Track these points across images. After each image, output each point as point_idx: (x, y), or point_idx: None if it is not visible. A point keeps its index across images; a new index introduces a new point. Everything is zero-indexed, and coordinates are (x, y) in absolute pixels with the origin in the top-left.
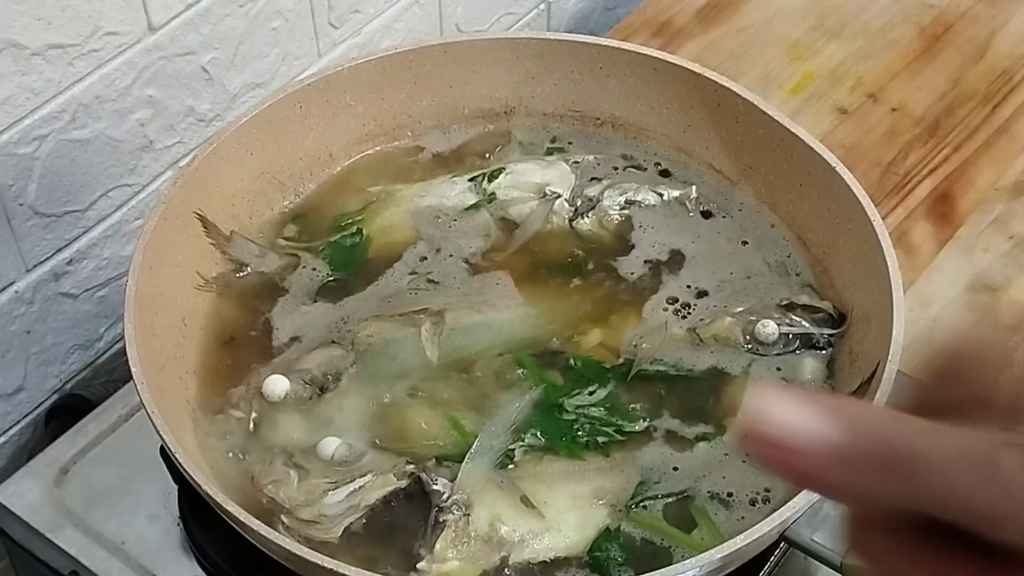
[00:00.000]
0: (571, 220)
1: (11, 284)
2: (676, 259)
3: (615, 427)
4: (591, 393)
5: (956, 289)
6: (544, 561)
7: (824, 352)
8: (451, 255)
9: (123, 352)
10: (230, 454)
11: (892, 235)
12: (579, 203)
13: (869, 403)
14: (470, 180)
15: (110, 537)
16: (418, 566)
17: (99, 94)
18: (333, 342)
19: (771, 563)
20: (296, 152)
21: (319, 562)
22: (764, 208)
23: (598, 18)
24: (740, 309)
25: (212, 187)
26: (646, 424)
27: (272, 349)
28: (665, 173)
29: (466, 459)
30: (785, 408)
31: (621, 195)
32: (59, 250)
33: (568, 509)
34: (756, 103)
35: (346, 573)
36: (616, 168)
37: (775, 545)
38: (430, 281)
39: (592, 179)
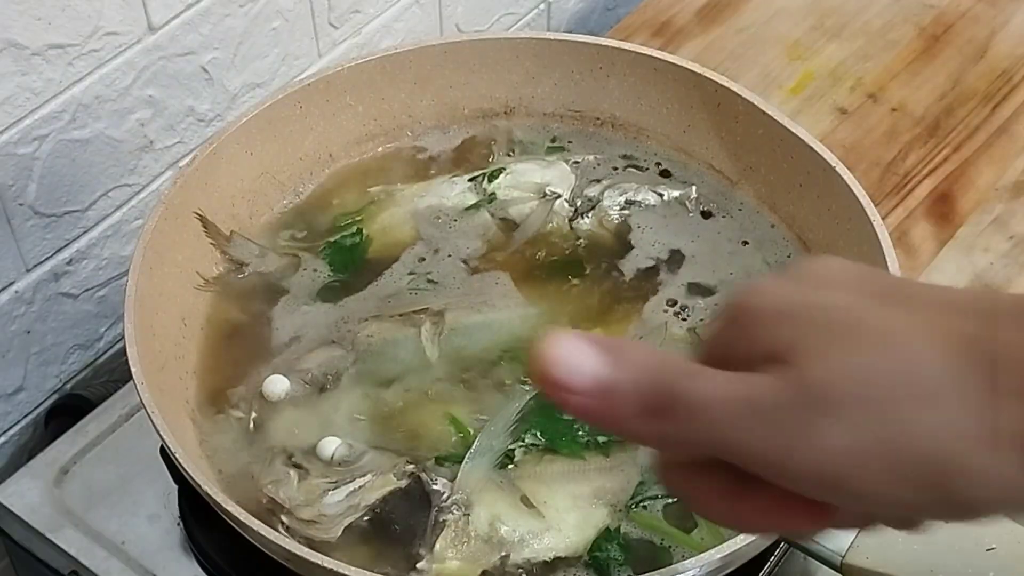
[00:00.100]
0: (571, 220)
1: (11, 284)
2: (676, 259)
3: None
4: None
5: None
6: (544, 561)
7: None
8: (451, 255)
9: (123, 352)
10: (230, 454)
11: (892, 235)
12: (579, 203)
13: (649, 347)
14: (470, 180)
15: (110, 537)
16: (418, 566)
17: (99, 94)
18: (333, 342)
19: (771, 563)
20: (296, 152)
21: (319, 562)
22: (764, 208)
23: (598, 18)
24: None
25: (212, 187)
26: None
27: (272, 349)
28: (665, 173)
29: (466, 459)
30: (565, 350)
31: (621, 195)
32: (59, 250)
33: (568, 509)
34: (756, 103)
35: (346, 573)
36: (616, 168)
37: (775, 545)
38: (430, 281)
39: (592, 179)
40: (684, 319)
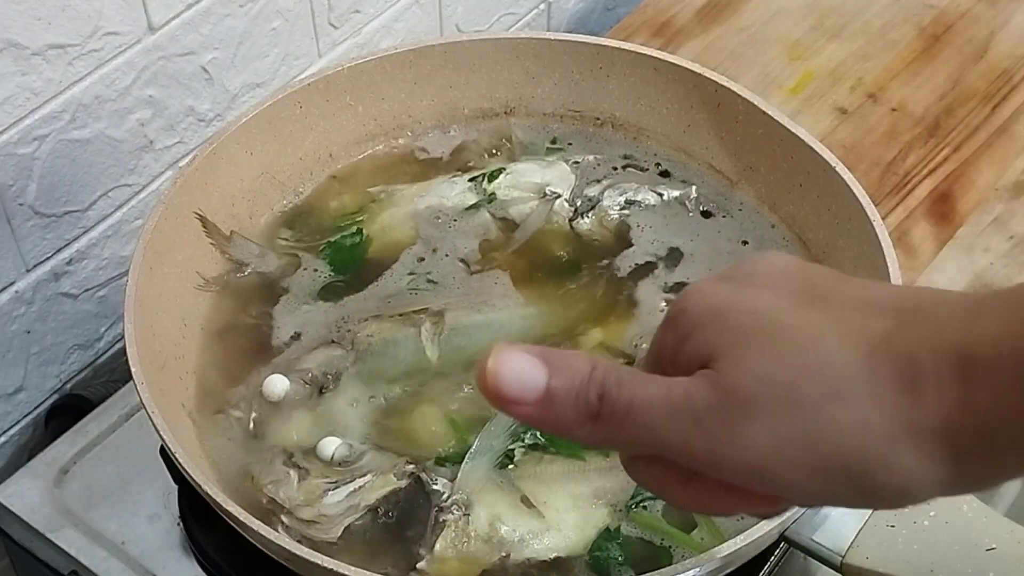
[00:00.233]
0: (571, 220)
1: (11, 284)
2: (676, 259)
3: None
4: None
5: (956, 289)
6: (544, 561)
7: None
8: (451, 255)
9: (123, 352)
10: (230, 454)
11: (892, 235)
12: (579, 203)
13: (588, 356)
14: (470, 180)
15: (110, 537)
16: (418, 566)
17: (99, 94)
18: (333, 342)
19: (771, 563)
20: (296, 152)
21: (319, 562)
22: (764, 208)
23: (598, 18)
24: None
25: (212, 187)
26: None
27: (272, 349)
28: (665, 173)
29: (466, 459)
30: (508, 363)
31: (621, 195)
32: (59, 250)
33: (568, 509)
34: (756, 103)
35: (346, 573)
36: (616, 168)
37: (775, 545)
38: (430, 281)
39: (592, 179)
40: None
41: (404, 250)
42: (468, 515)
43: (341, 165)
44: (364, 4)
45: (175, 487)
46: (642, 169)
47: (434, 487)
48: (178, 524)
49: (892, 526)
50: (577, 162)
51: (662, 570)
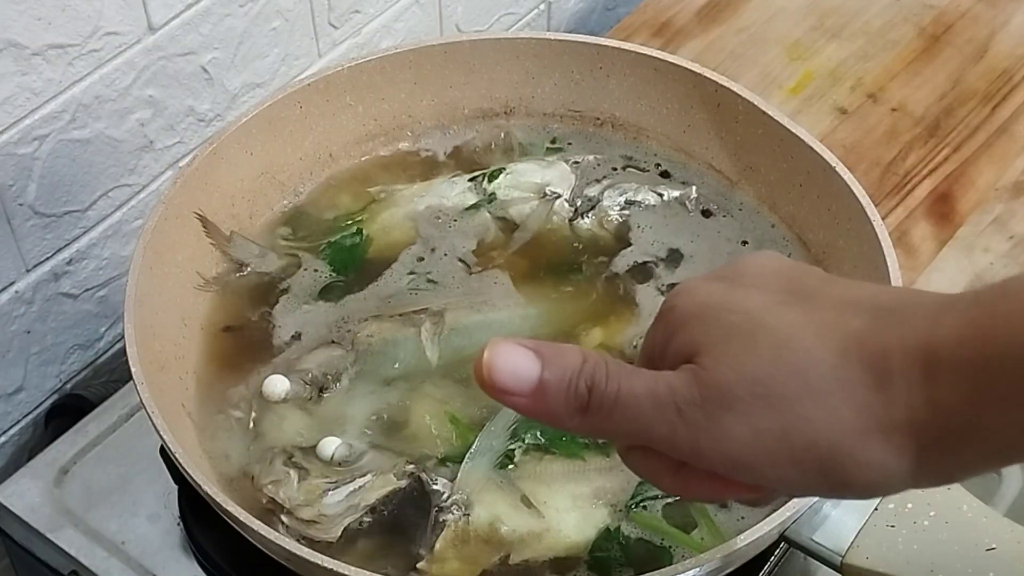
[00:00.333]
0: (571, 220)
1: (11, 284)
2: (676, 259)
3: None
4: None
5: (956, 289)
6: (544, 561)
7: None
8: (451, 255)
9: (123, 352)
10: (230, 454)
11: (892, 235)
12: (579, 203)
13: (580, 350)
14: (470, 180)
15: (110, 537)
16: (418, 566)
17: (99, 94)
18: (333, 342)
19: (771, 563)
20: (296, 152)
21: (319, 562)
22: (764, 208)
23: (598, 18)
24: None
25: (212, 187)
26: None
27: (272, 349)
28: (665, 173)
29: (466, 459)
30: (504, 355)
31: (621, 195)
32: (59, 250)
33: (568, 509)
34: (756, 103)
35: (346, 573)
36: (616, 168)
37: (775, 545)
38: (430, 281)
39: (592, 179)
40: None
41: (404, 250)
42: (468, 515)
43: (341, 165)
44: (364, 4)
45: (175, 487)
46: (642, 169)
47: (434, 487)
48: (178, 524)
49: (892, 526)
50: (577, 162)
51: (662, 570)
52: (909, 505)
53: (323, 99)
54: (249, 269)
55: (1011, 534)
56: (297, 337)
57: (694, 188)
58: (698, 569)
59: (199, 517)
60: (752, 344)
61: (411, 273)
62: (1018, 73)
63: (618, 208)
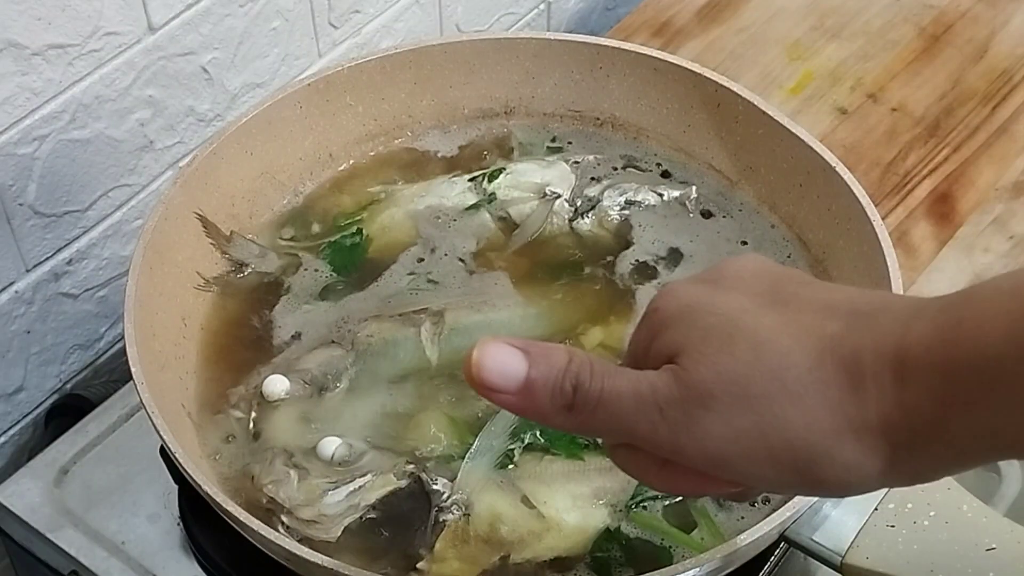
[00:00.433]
0: (571, 220)
1: (11, 284)
2: (676, 259)
3: None
4: None
5: (956, 289)
6: (544, 561)
7: None
8: (451, 255)
9: (123, 352)
10: (230, 454)
11: (892, 235)
12: (579, 203)
13: (567, 349)
14: (470, 180)
15: (110, 537)
16: (418, 566)
17: (99, 94)
18: (333, 342)
19: (771, 563)
20: (296, 152)
21: (319, 562)
22: (764, 208)
23: (598, 18)
24: None
25: (212, 187)
26: None
27: (272, 349)
28: (665, 173)
29: (466, 459)
30: (492, 354)
31: (621, 195)
32: (59, 250)
33: (568, 509)
34: (756, 103)
35: (346, 573)
36: (616, 168)
37: (775, 545)
38: (430, 281)
39: (592, 179)
40: None
41: (404, 250)
42: (468, 515)
43: (341, 165)
44: (364, 4)
45: (175, 487)
46: (642, 169)
47: (434, 487)
48: (178, 524)
49: (892, 526)
50: (577, 162)
51: (662, 570)
52: (909, 505)
53: (323, 99)
54: (249, 269)
55: (1011, 534)
56: (297, 337)
57: (694, 188)
58: (698, 569)
59: (199, 517)
60: (730, 345)
61: (411, 273)
62: (1018, 73)
63: (618, 208)
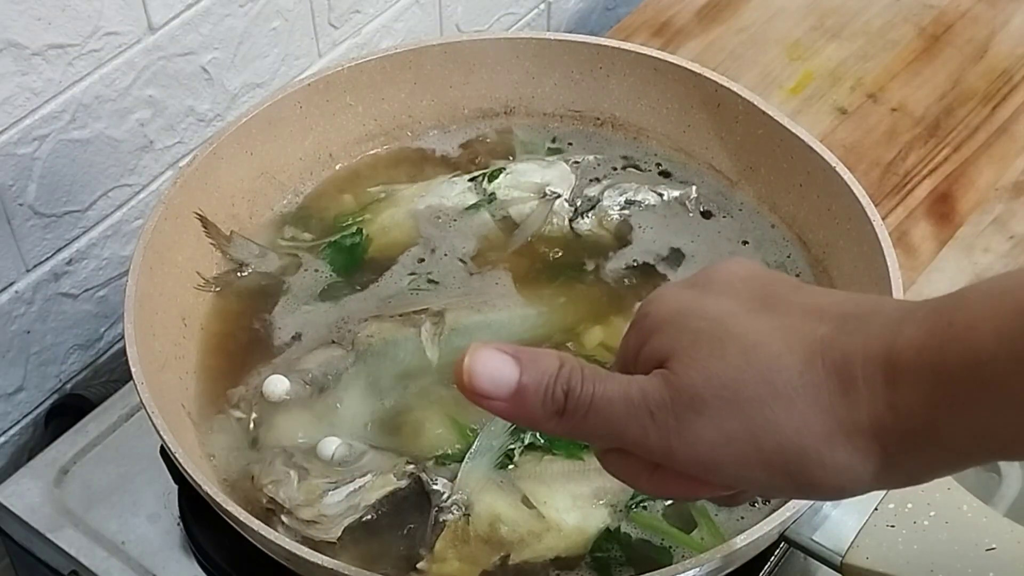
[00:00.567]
0: (571, 220)
1: (11, 284)
2: (676, 259)
3: None
4: None
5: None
6: (544, 561)
7: None
8: (451, 255)
9: (123, 352)
10: (230, 454)
11: (892, 235)
12: (579, 203)
13: (557, 354)
14: (470, 180)
15: (110, 537)
16: (418, 566)
17: (99, 94)
18: (333, 342)
19: (771, 563)
20: (296, 152)
21: (319, 562)
22: (764, 208)
23: (598, 18)
24: None
25: (212, 187)
26: None
27: (272, 349)
28: (665, 173)
29: (466, 459)
30: (483, 360)
31: (621, 195)
32: (59, 250)
33: (568, 509)
34: (756, 103)
35: (346, 573)
36: (616, 168)
37: (775, 545)
38: (430, 281)
39: (592, 179)
40: None
41: (404, 250)
42: (468, 515)
43: (341, 165)
44: (364, 4)
45: (175, 487)
46: (642, 169)
47: (434, 487)
48: (178, 524)
49: (892, 526)
50: (577, 162)
51: (662, 570)
52: (909, 505)
53: (323, 99)
54: (249, 269)
55: (1011, 534)
56: (297, 337)
57: (694, 188)
58: (698, 569)
59: (199, 517)
60: (720, 349)
61: (411, 273)
62: (1018, 73)
63: (618, 208)
